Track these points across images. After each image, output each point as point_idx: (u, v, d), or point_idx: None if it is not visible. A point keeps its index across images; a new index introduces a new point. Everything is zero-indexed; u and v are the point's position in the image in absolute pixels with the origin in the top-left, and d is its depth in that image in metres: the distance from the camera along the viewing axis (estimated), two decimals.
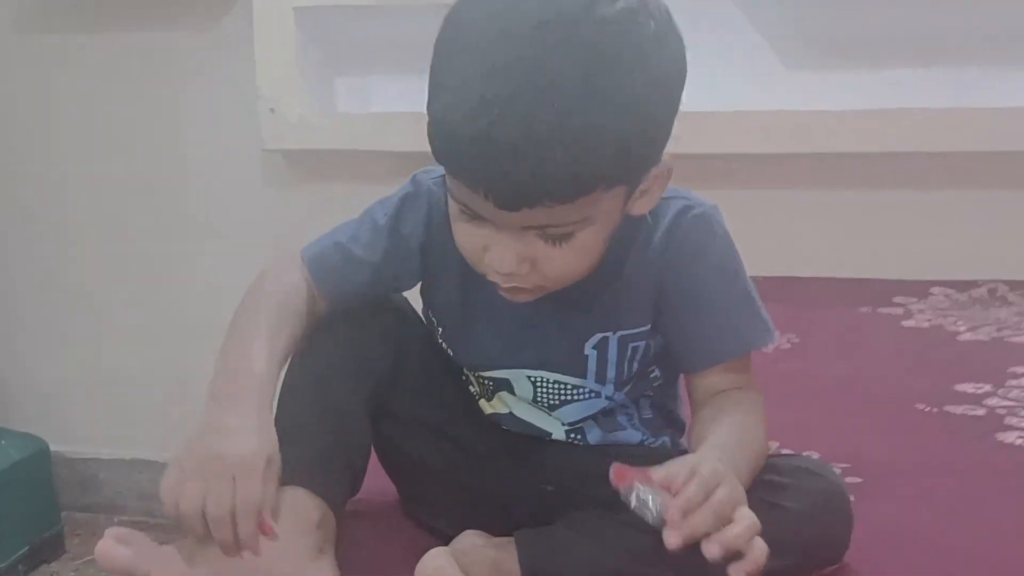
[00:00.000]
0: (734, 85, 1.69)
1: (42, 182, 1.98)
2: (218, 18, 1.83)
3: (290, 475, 0.72)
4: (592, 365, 0.77)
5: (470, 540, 0.74)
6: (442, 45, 0.69)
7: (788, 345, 1.31)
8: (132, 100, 1.91)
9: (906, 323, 1.39)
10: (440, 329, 0.82)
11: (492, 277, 0.69)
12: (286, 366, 0.77)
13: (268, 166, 1.87)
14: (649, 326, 0.76)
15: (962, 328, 1.34)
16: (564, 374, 0.77)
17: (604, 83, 0.61)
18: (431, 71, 0.68)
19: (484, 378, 0.82)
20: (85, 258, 1.99)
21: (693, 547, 0.61)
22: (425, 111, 0.67)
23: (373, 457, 0.82)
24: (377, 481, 0.82)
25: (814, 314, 1.46)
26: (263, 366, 0.72)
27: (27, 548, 1.81)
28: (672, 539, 0.61)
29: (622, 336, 0.76)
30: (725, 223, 0.78)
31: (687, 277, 0.75)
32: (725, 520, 0.61)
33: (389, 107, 1.80)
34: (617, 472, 0.65)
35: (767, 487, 0.70)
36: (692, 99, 1.41)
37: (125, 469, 2.02)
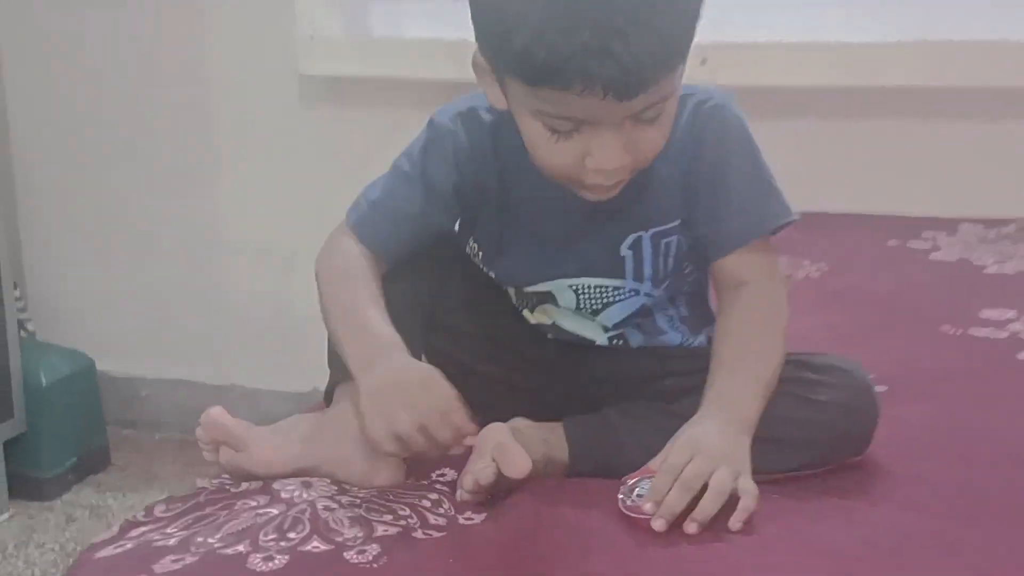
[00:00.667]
0: (762, 16, 1.70)
1: (80, 102, 2.02)
2: None
3: None
4: (629, 265, 0.81)
5: (523, 422, 0.80)
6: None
7: (818, 273, 1.33)
8: (173, 24, 1.93)
9: (934, 256, 1.41)
10: (481, 254, 0.86)
11: (592, 182, 0.73)
12: None
13: (305, 90, 1.90)
14: (679, 221, 0.80)
15: (989, 262, 1.36)
16: (604, 277, 0.82)
17: None
18: (490, 10, 0.71)
19: (527, 293, 0.85)
20: (124, 177, 2.03)
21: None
22: (483, 43, 0.71)
23: None
24: None
25: (844, 247, 1.48)
26: (387, 329, 0.78)
27: (75, 459, 1.88)
28: (656, 525, 0.68)
29: (655, 233, 0.80)
30: (740, 110, 0.81)
31: (708, 165, 0.79)
32: (695, 491, 0.68)
33: (423, 33, 1.83)
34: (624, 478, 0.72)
35: (800, 383, 0.75)
36: (730, 28, 1.42)
37: (167, 388, 2.09)
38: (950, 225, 1.56)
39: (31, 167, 2.07)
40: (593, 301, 0.83)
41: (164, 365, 2.09)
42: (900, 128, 1.70)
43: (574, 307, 0.85)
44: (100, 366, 1.97)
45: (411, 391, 0.72)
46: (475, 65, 0.77)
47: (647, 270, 0.82)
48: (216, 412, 0.79)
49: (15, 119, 2.05)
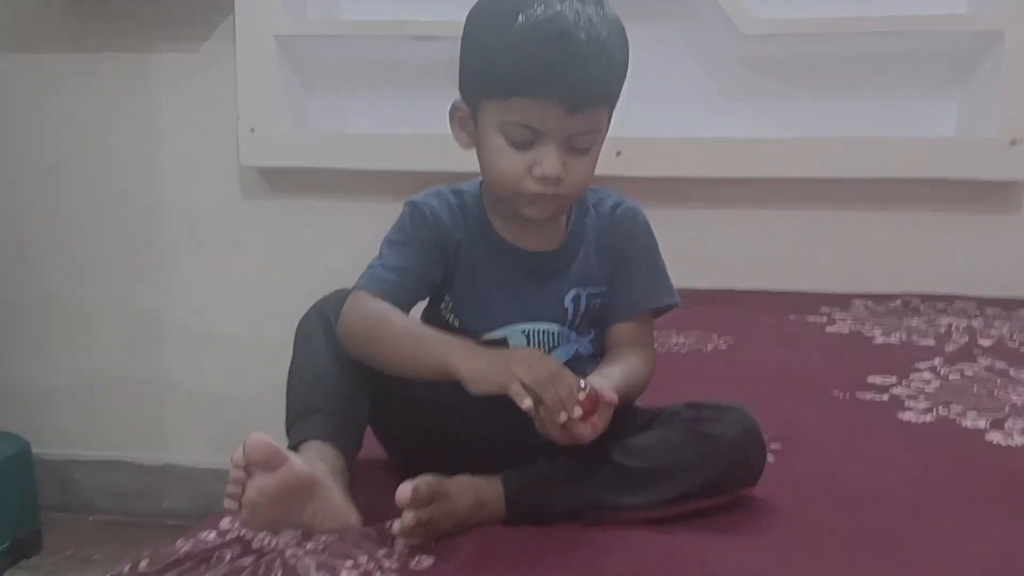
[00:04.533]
0: (678, 112, 1.86)
1: (30, 192, 2.07)
2: (200, 41, 1.96)
3: (319, 433, 0.89)
4: (570, 315, 0.97)
5: (464, 476, 0.89)
6: (476, 21, 0.92)
7: (725, 346, 1.46)
8: (118, 117, 2.02)
9: (829, 328, 1.55)
10: (452, 303, 0.98)
11: (535, 190, 0.90)
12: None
13: (246, 182, 1.99)
14: (606, 287, 0.98)
15: (877, 333, 1.51)
16: (551, 323, 0.97)
17: (615, 27, 0.90)
18: (468, 43, 0.92)
19: (484, 341, 0.97)
20: (69, 265, 2.08)
21: (659, 477, 0.85)
22: (468, 80, 0.92)
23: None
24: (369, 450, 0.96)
25: (749, 321, 1.62)
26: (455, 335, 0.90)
27: (8, 543, 1.88)
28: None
29: (589, 293, 0.98)
30: (645, 215, 1.01)
31: (620, 251, 0.99)
32: (563, 388, 0.82)
33: (361, 128, 1.95)
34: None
35: (697, 421, 0.89)
36: (642, 125, 1.58)
37: (102, 470, 2.10)
38: (844, 300, 1.72)
39: None
40: (541, 344, 0.97)
41: (100, 447, 2.11)
42: (799, 215, 1.87)
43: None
44: (35, 449, 1.99)
45: (527, 358, 0.83)
46: (453, 110, 0.95)
47: (579, 321, 0.98)
48: (257, 435, 0.81)
49: None
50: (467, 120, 0.95)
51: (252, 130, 1.89)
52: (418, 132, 1.73)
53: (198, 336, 2.07)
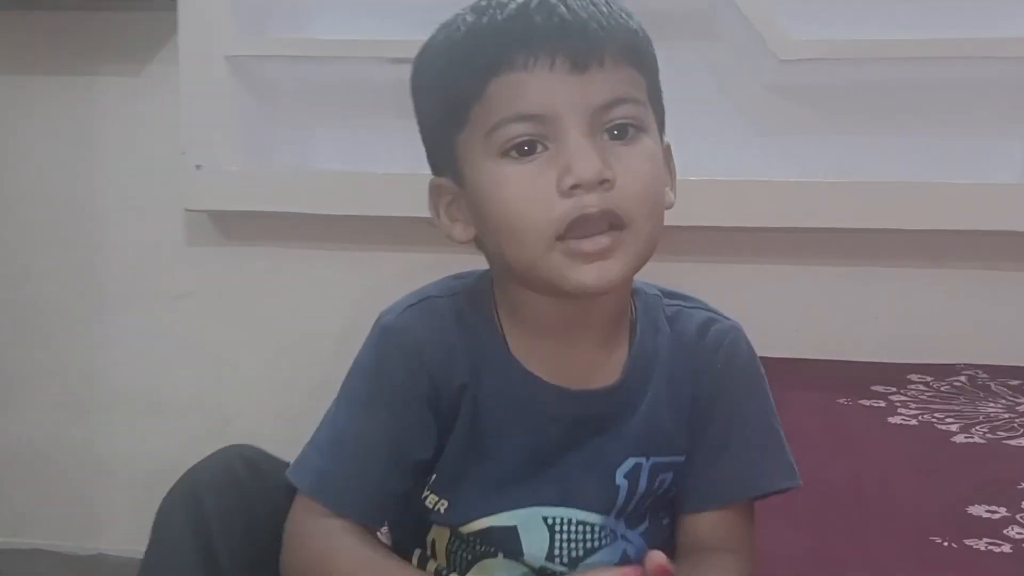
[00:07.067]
0: (700, 150, 1.61)
1: None
2: (141, 65, 1.72)
3: None
4: (621, 497, 0.65)
5: None
6: (420, 61, 0.70)
7: None
8: (46, 152, 1.77)
9: (892, 420, 1.29)
10: (434, 477, 0.68)
11: (569, 217, 0.61)
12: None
13: (193, 226, 1.73)
14: (683, 456, 0.66)
15: (953, 427, 1.24)
16: (590, 511, 0.65)
17: None
18: (420, 85, 0.70)
19: (470, 536, 0.67)
20: None
21: None
22: (430, 107, 0.68)
23: None
24: None
25: (789, 404, 1.34)
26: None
27: None
28: None
29: (655, 464, 0.66)
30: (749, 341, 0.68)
31: (716, 394, 0.67)
32: None
33: (329, 164, 1.69)
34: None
35: None
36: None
37: (22, 561, 1.83)
38: (898, 376, 1.45)
39: None
40: (573, 544, 0.65)
41: (19, 533, 1.83)
42: (840, 271, 1.63)
43: (544, 554, 0.66)
44: None
45: None
46: (432, 193, 0.68)
47: (635, 505, 0.66)
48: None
49: None
50: (456, 199, 0.65)
51: (198, 167, 1.62)
52: (398, 170, 1.47)
53: (137, 401, 1.80)
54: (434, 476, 0.67)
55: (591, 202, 0.60)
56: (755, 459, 0.67)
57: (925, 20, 1.55)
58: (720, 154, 1.60)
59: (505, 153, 0.61)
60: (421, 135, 0.68)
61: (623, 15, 0.65)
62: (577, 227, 0.60)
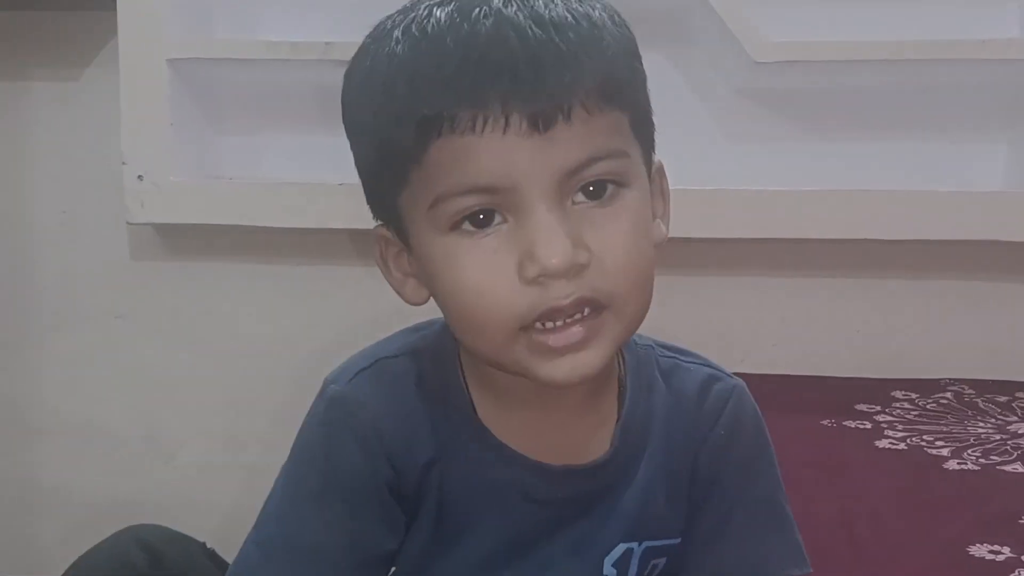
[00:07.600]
0: (672, 158, 1.54)
1: None
2: (79, 70, 1.62)
3: None
4: None
5: None
6: (347, 90, 0.62)
7: None
8: None
9: (879, 443, 1.22)
10: (392, 572, 0.59)
11: (537, 309, 0.51)
12: None
13: (136, 240, 1.63)
14: (679, 540, 0.58)
15: (944, 451, 1.18)
16: None
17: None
18: (352, 122, 0.61)
19: None
20: None
21: None
22: (368, 161, 0.60)
23: None
24: None
25: (770, 425, 1.28)
26: None
27: None
28: None
29: (647, 549, 0.58)
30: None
31: (719, 466, 0.58)
32: None
33: (279, 174, 1.60)
34: None
35: None
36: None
37: None
38: (881, 393, 1.39)
39: None
40: None
41: None
42: (819, 283, 1.56)
43: None
44: None
45: None
46: (377, 243, 0.59)
47: None
48: None
49: None
50: (401, 251, 0.56)
51: (140, 177, 1.52)
52: (353, 180, 1.36)
53: (75, 428, 1.70)
54: (392, 570, 0.58)
55: (561, 291, 0.51)
56: (760, 542, 0.58)
57: (905, 24, 1.50)
58: (692, 162, 1.52)
59: (455, 227, 0.52)
60: (358, 170, 0.60)
61: (595, 36, 0.53)
62: (545, 317, 0.51)
